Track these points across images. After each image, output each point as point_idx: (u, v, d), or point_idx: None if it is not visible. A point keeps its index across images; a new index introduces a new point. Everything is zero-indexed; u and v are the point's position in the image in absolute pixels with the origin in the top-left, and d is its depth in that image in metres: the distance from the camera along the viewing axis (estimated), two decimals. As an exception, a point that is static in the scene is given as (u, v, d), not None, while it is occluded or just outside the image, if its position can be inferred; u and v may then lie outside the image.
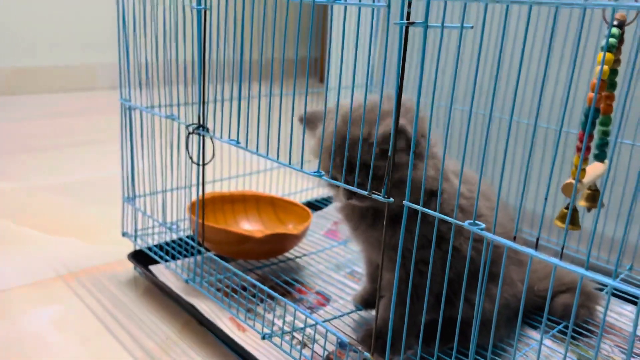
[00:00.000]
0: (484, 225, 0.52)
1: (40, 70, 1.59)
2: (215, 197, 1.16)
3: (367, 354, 0.68)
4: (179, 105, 0.99)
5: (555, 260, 0.46)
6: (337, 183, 0.68)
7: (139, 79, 0.99)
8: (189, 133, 0.87)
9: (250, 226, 1.17)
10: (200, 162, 0.88)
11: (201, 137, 0.88)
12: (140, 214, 1.08)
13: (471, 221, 0.53)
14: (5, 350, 0.86)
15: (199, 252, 0.97)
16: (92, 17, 2.90)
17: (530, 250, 0.47)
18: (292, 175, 1.43)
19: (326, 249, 1.18)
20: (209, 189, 1.21)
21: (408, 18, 0.53)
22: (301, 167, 0.70)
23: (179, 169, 0.97)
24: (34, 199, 1.47)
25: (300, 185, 1.43)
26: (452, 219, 0.54)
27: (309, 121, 0.77)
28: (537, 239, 0.50)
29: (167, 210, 1.06)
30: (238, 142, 0.79)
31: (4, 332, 0.90)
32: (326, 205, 1.39)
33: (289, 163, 0.70)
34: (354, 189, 0.63)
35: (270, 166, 1.35)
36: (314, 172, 0.67)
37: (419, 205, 0.58)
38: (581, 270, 0.46)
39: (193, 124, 0.87)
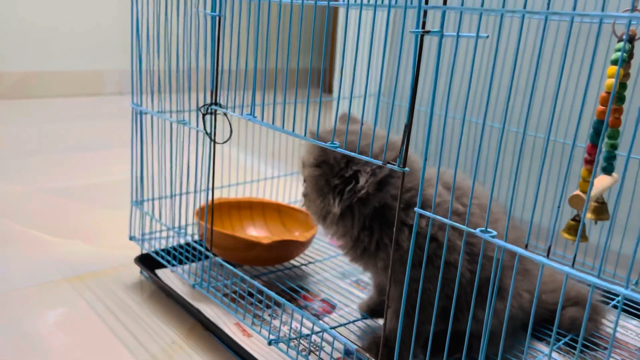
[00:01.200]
0: (495, 233, 0.52)
1: (49, 75, 1.61)
2: (222, 203, 1.16)
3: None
4: (190, 111, 1.00)
5: (567, 269, 0.46)
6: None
7: (151, 85, 1.00)
8: (203, 114, 0.88)
9: (256, 232, 1.17)
10: (214, 139, 0.88)
11: (214, 115, 0.88)
12: (148, 219, 1.08)
13: (482, 228, 0.53)
14: (10, 351, 0.86)
15: (206, 257, 0.97)
16: (101, 24, 2.92)
17: (542, 259, 0.48)
18: (298, 182, 1.43)
19: (332, 257, 1.18)
20: (216, 195, 1.22)
21: (424, 27, 0.54)
22: (316, 138, 0.70)
23: (188, 173, 0.97)
24: (41, 202, 1.48)
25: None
26: (464, 227, 0.54)
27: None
28: (549, 247, 0.50)
29: (175, 214, 1.06)
30: (254, 117, 0.79)
31: (10, 333, 0.90)
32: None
33: (304, 135, 0.71)
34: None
35: (278, 174, 1.36)
36: (330, 144, 0.67)
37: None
38: (593, 279, 0.46)
39: (206, 104, 0.88)
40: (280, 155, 1.33)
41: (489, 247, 0.70)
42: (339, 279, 1.10)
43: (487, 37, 0.50)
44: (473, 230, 0.54)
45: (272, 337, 0.81)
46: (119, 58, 2.86)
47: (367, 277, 1.09)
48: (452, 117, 1.31)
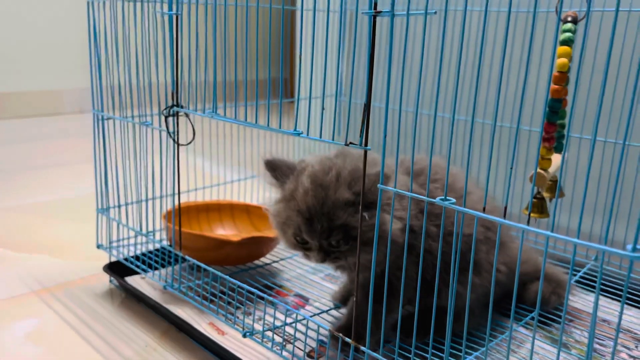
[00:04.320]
0: (454, 200, 0.54)
1: (6, 96, 1.59)
2: (190, 207, 1.16)
3: (349, 340, 0.70)
4: (152, 115, 1.00)
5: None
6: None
7: (112, 91, 1.00)
8: (166, 116, 0.88)
9: (225, 233, 1.18)
10: (176, 141, 0.89)
11: (176, 117, 0.89)
12: (115, 226, 1.08)
13: (442, 197, 0.55)
14: (-21, 363, 0.84)
15: (176, 259, 0.97)
16: (58, 43, 2.89)
17: (500, 219, 0.50)
18: (264, 185, 1.44)
19: (302, 255, 1.19)
20: (182, 200, 1.22)
21: (375, 8, 0.56)
22: (280, 128, 0.72)
23: (153, 178, 0.97)
24: (4, 219, 1.45)
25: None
26: (424, 197, 0.56)
27: (273, 169, 0.77)
28: (505, 208, 0.53)
29: (142, 220, 1.06)
30: (217, 113, 0.80)
31: (-22, 346, 0.88)
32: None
33: (267, 125, 0.72)
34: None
35: (244, 176, 1.37)
36: (293, 131, 0.69)
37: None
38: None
39: (167, 106, 0.89)
40: (246, 159, 1.33)
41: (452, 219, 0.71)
42: (311, 273, 1.12)
43: (435, 13, 0.53)
44: (433, 200, 0.56)
45: (246, 330, 0.82)
46: (78, 76, 2.82)
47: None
48: (405, 110, 1.34)
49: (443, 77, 1.27)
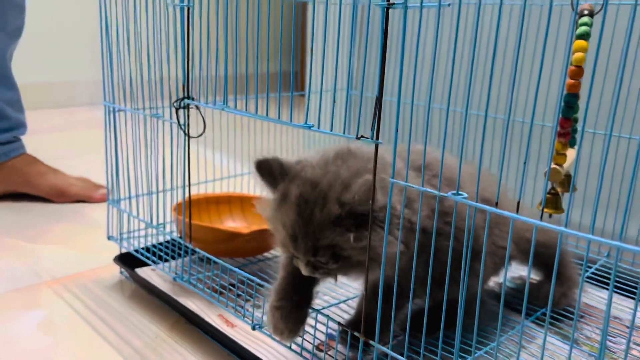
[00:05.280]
0: (466, 195, 0.54)
1: (21, 88, 1.62)
2: (200, 199, 1.17)
3: (358, 334, 0.70)
4: (163, 107, 1.00)
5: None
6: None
7: (123, 83, 1.00)
8: (177, 109, 0.88)
9: (235, 225, 1.18)
10: (187, 133, 0.89)
11: (186, 109, 0.89)
12: (125, 218, 1.08)
13: (454, 191, 0.55)
14: (-9, 353, 0.85)
15: (186, 251, 0.97)
16: (69, 35, 2.90)
17: (512, 214, 0.49)
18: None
19: (312, 248, 1.19)
20: (193, 192, 1.22)
21: (388, 0, 0.56)
22: (290, 121, 0.70)
23: (164, 170, 0.97)
24: (15, 210, 1.46)
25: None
26: (435, 191, 0.56)
27: (265, 171, 0.71)
28: (518, 202, 0.52)
29: (152, 212, 1.06)
30: (227, 106, 0.80)
31: (-10, 335, 0.89)
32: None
33: (278, 118, 0.71)
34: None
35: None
36: (304, 124, 0.68)
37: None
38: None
39: (178, 98, 0.89)
40: (256, 152, 1.33)
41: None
42: (320, 267, 1.11)
43: (449, 5, 0.52)
44: (445, 194, 0.55)
45: (255, 322, 0.82)
46: (89, 68, 2.84)
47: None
48: (417, 104, 1.33)
49: (455, 71, 1.26)
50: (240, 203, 1.20)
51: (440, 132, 1.29)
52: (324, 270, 0.68)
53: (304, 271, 0.68)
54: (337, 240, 0.64)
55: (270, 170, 0.70)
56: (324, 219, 0.64)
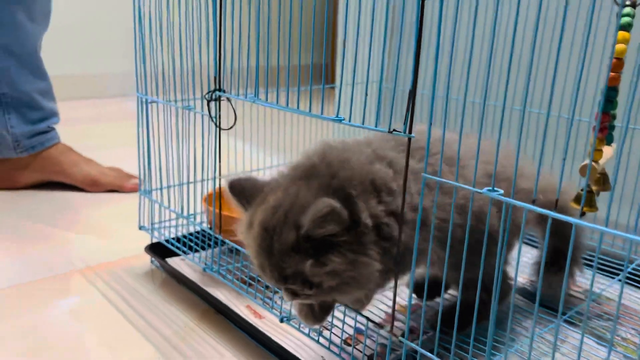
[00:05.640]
0: (502, 191, 0.53)
1: (55, 79, 1.65)
2: (230, 191, 1.17)
3: (386, 330, 0.69)
4: (195, 99, 1.01)
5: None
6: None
7: (156, 75, 1.01)
8: (208, 101, 0.89)
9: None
10: (218, 125, 0.90)
11: (218, 101, 0.89)
12: (157, 208, 1.09)
13: (490, 188, 0.53)
14: (26, 338, 0.87)
15: (216, 242, 0.98)
16: (103, 27, 2.95)
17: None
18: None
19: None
20: (223, 183, 1.22)
21: (424, -9, 0.55)
22: (321, 114, 0.70)
23: (195, 162, 0.98)
24: (51, 199, 1.49)
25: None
26: (470, 187, 0.55)
27: (238, 193, 0.69)
28: (557, 200, 0.51)
29: (183, 203, 1.07)
30: (258, 98, 0.80)
31: (25, 322, 0.91)
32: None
33: (309, 111, 0.70)
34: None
35: (284, 161, 1.37)
36: (335, 117, 0.67)
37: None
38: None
39: (210, 91, 0.89)
40: (286, 145, 1.33)
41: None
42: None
43: (488, -4, 0.51)
44: (480, 190, 0.54)
45: (283, 314, 0.82)
46: (122, 60, 2.88)
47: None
48: (454, 99, 1.31)
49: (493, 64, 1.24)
50: (269, 195, 1.20)
51: (472, 125, 1.27)
52: (304, 297, 0.64)
53: (285, 297, 0.65)
54: (300, 267, 0.60)
55: (242, 192, 0.68)
56: (282, 246, 0.60)
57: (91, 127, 2.40)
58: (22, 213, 1.38)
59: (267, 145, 1.31)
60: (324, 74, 0.73)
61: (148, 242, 1.10)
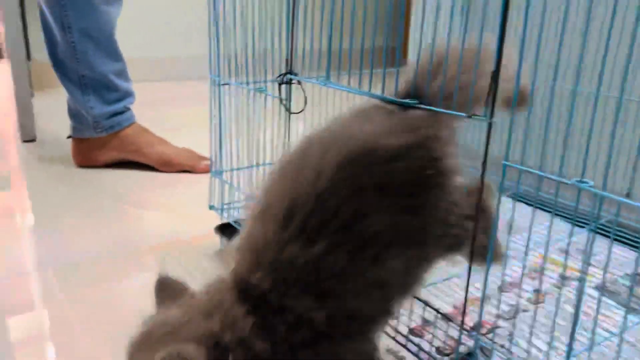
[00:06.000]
0: (592, 183, 0.49)
1: (134, 61, 1.72)
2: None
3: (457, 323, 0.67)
4: (265, 81, 1.01)
5: None
6: None
7: (229, 58, 1.01)
8: (279, 84, 0.89)
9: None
10: (288, 108, 0.90)
11: (289, 84, 0.89)
12: (227, 189, 1.11)
13: (578, 179, 0.50)
14: (101, 311, 0.90)
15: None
16: (178, 10, 3.02)
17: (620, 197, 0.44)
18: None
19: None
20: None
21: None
22: (395, 97, 0.68)
23: (265, 145, 0.98)
24: (125, 178, 1.54)
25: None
26: (556, 177, 0.51)
27: (161, 290, 0.64)
28: (628, 194, 0.47)
29: (254, 185, 1.08)
30: (329, 81, 0.79)
31: (100, 296, 0.95)
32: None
33: (382, 93, 0.68)
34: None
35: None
36: (408, 101, 0.65)
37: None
38: None
39: (282, 73, 0.89)
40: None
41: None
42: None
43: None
44: (567, 181, 0.51)
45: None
46: (198, 43, 2.95)
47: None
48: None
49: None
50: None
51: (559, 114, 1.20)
52: None
53: None
54: None
55: (166, 289, 0.64)
56: None
57: (166, 109, 2.47)
58: (101, 190, 1.44)
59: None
60: (398, 56, 0.71)
61: (218, 222, 1.12)
